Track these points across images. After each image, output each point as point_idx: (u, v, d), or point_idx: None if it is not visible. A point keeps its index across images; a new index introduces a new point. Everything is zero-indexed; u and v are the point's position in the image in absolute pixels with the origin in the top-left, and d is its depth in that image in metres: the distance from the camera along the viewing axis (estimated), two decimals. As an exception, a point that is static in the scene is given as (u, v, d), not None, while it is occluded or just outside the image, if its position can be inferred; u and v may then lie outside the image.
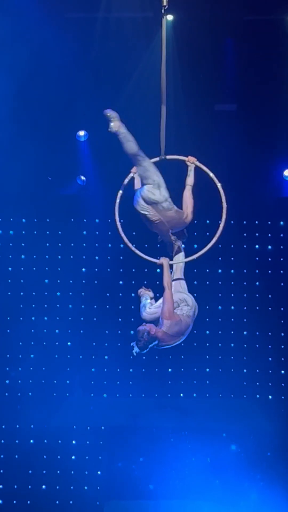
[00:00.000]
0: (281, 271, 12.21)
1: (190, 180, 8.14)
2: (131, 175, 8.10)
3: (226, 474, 11.68)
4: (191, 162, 8.13)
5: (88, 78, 11.19)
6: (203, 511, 11.54)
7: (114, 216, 8.03)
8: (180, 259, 8.14)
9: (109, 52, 10.99)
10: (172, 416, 11.98)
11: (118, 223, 8.01)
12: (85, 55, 10.98)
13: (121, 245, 11.83)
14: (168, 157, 8.12)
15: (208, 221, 11.46)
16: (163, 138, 8.09)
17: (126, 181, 8.10)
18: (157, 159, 8.05)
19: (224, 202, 8.05)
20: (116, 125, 7.76)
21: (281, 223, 12.22)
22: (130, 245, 8.04)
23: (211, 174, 8.08)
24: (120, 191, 8.06)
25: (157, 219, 7.81)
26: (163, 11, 8.06)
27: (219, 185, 8.06)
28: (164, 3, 8.04)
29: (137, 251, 8.03)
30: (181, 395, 12.10)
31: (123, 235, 8.05)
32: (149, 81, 10.76)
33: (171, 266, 7.95)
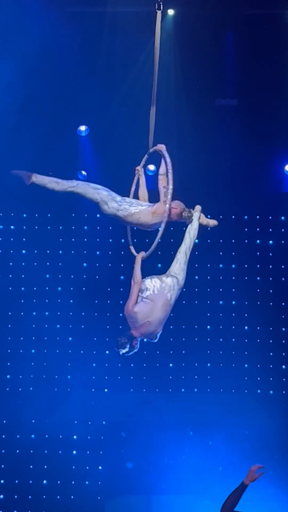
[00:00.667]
0: (282, 266, 12.21)
1: (161, 169, 7.83)
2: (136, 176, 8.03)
3: (228, 469, 11.68)
4: (158, 149, 7.91)
5: (89, 72, 11.17)
6: (205, 506, 11.56)
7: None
8: None
9: (111, 46, 10.99)
10: (173, 411, 11.99)
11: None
12: (86, 49, 10.97)
13: (122, 240, 11.88)
14: (150, 150, 8.04)
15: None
16: (152, 135, 8.03)
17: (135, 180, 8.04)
18: (146, 156, 8.03)
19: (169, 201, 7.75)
20: (32, 179, 7.88)
21: (282, 218, 12.21)
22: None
23: (169, 167, 7.70)
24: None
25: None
26: (156, 5, 8.01)
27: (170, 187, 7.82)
28: None
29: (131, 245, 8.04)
30: (182, 390, 12.11)
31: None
32: (150, 76, 10.76)
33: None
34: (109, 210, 7.78)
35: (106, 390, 12.11)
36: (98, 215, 12.19)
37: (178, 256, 7.74)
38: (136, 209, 7.73)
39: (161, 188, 7.72)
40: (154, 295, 7.51)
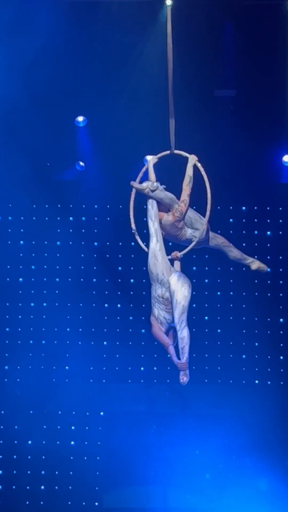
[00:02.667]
0: (280, 257, 12.21)
1: (189, 171, 8.18)
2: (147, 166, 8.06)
3: (227, 460, 11.72)
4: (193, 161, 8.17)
5: (87, 63, 11.14)
6: (205, 498, 11.60)
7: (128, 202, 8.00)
8: None
9: (109, 37, 10.94)
10: (171, 402, 12.00)
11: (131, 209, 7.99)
12: (84, 39, 10.93)
13: (120, 231, 11.88)
14: (175, 151, 8.12)
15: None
16: (173, 131, 8.07)
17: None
18: (167, 152, 8.06)
19: (208, 212, 8.03)
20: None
21: (280, 208, 12.21)
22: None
23: (207, 181, 8.07)
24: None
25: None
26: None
27: (209, 194, 8.03)
28: None
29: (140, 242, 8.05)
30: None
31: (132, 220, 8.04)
32: (149, 67, 10.75)
33: None
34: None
35: (104, 381, 12.12)
36: (96, 206, 12.21)
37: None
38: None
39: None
40: None
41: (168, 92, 8.10)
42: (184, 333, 8.09)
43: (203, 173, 8.17)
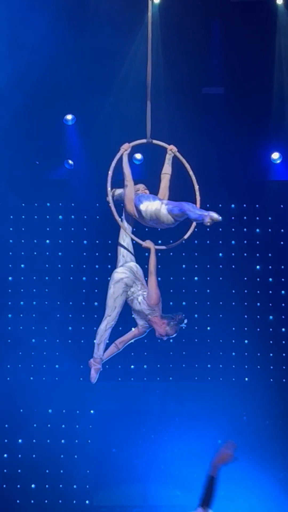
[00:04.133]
0: (269, 254, 12.23)
1: (167, 169, 8.01)
2: (120, 153, 7.93)
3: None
4: (172, 151, 8.02)
5: (76, 61, 11.13)
6: (196, 497, 11.60)
7: (106, 197, 7.93)
8: None
9: (97, 34, 10.94)
10: (164, 401, 12.02)
11: (111, 202, 7.91)
12: (73, 37, 10.92)
13: (109, 229, 11.85)
14: (154, 141, 8.05)
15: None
16: (149, 121, 8.00)
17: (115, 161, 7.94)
18: (144, 141, 7.99)
19: (198, 202, 7.94)
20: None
21: (269, 206, 12.22)
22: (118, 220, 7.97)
23: (190, 170, 7.97)
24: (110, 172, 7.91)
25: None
26: None
27: (196, 187, 7.98)
28: None
29: (128, 232, 7.99)
30: (170, 378, 12.11)
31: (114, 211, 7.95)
32: (138, 64, 10.74)
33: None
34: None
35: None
36: (85, 204, 12.19)
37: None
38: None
39: (163, 189, 7.82)
40: None
41: (147, 78, 8.05)
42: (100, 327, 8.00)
43: (184, 162, 8.05)
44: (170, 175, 8.01)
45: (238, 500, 11.42)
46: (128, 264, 7.99)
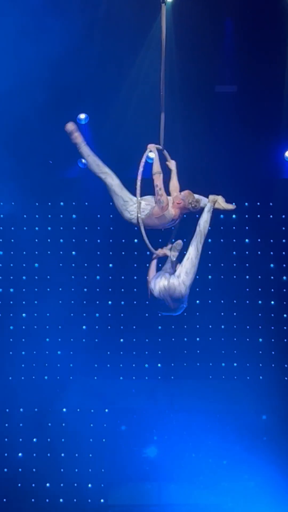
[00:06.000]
0: (283, 253, 12.23)
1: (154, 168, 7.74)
2: (147, 151, 7.85)
3: (230, 456, 11.73)
4: (169, 166, 7.90)
5: (89, 60, 11.14)
6: (207, 494, 11.62)
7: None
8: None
9: (111, 34, 10.94)
10: (176, 398, 12.02)
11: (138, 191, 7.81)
12: (87, 37, 10.93)
13: (123, 228, 11.89)
14: (164, 151, 7.95)
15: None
16: (162, 131, 7.93)
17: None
18: (160, 147, 7.90)
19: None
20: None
21: (283, 204, 12.20)
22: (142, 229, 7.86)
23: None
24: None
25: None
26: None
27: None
28: None
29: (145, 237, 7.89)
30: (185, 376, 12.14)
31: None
32: (150, 63, 10.74)
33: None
34: (128, 216, 7.70)
35: (108, 378, 12.14)
36: (99, 204, 12.21)
37: (190, 250, 7.60)
38: (142, 214, 7.62)
39: (155, 187, 7.65)
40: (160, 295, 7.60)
41: (160, 88, 7.99)
42: None
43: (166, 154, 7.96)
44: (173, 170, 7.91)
45: (245, 500, 11.47)
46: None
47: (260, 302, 12.18)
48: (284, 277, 12.24)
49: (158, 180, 7.55)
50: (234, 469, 11.67)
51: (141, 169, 7.60)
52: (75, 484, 11.89)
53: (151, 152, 7.84)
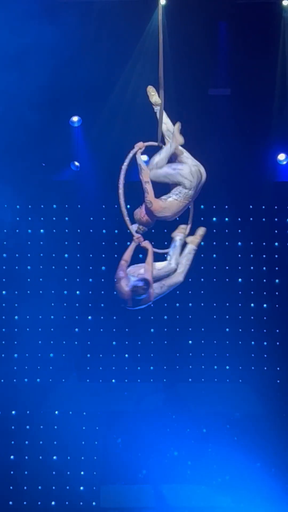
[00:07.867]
0: (276, 256, 12.23)
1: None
2: (135, 150, 7.90)
3: (224, 459, 11.72)
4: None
5: (82, 63, 11.14)
6: (200, 495, 11.62)
7: (117, 190, 7.91)
8: None
9: (104, 36, 10.94)
10: (169, 401, 12.02)
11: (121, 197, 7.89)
12: (79, 39, 10.92)
13: (116, 231, 11.90)
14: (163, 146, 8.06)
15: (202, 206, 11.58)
16: (161, 125, 8.01)
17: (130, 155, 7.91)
18: (155, 143, 7.99)
19: None
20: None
21: (275, 207, 12.21)
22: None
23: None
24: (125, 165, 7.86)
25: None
26: None
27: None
28: None
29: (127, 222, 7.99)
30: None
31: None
32: (144, 66, 10.74)
33: None
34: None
35: (100, 380, 12.12)
36: (91, 206, 12.20)
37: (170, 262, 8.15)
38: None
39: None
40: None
41: (159, 86, 8.06)
42: None
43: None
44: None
45: (247, 502, 11.46)
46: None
47: (252, 305, 12.18)
48: (277, 280, 12.23)
49: (146, 176, 7.78)
50: (229, 472, 11.69)
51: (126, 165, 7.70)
52: (67, 487, 11.88)
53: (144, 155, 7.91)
